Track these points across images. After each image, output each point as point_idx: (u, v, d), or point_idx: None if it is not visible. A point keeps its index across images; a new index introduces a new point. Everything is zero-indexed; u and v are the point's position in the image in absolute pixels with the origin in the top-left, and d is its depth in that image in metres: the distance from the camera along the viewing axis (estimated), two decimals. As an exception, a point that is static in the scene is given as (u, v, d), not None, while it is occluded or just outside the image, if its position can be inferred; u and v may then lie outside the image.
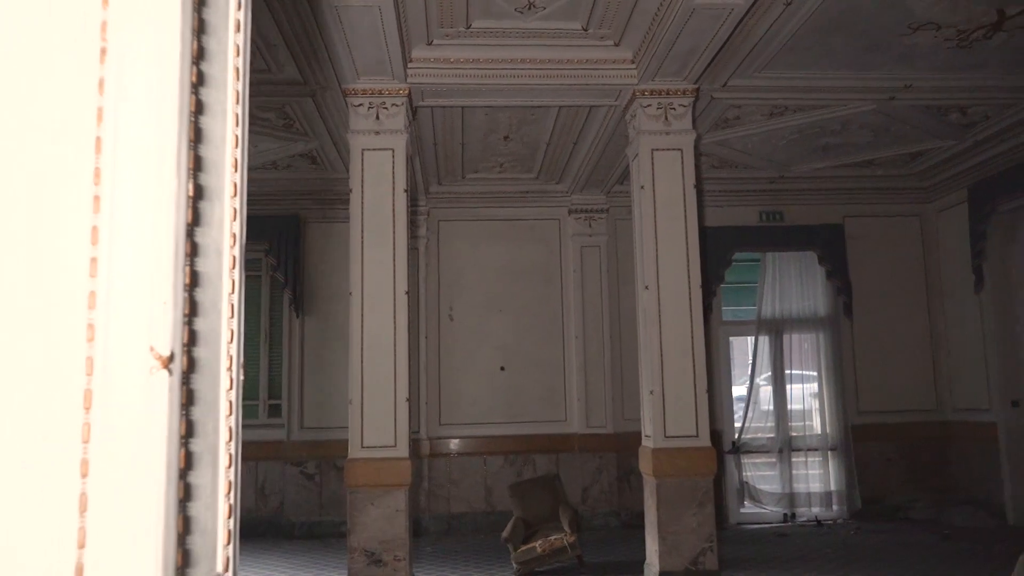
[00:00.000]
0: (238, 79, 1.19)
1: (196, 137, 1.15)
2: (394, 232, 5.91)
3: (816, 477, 9.59)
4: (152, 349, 1.02)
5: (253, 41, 5.60)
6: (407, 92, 6.05)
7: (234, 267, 1.29)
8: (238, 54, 1.25)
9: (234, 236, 1.29)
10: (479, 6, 5.49)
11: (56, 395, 1.00)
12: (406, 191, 6.00)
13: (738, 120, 7.65)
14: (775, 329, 9.73)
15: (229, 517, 1.27)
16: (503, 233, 9.76)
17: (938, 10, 5.62)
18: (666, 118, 6.16)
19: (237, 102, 1.18)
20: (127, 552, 1.00)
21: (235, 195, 1.29)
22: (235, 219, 1.28)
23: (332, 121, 7.36)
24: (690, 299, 5.96)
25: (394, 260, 5.88)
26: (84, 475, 1.01)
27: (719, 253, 9.50)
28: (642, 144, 6.16)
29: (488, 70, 6.06)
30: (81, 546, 0.99)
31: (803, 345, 9.82)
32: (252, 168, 8.42)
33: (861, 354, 9.75)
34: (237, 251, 1.31)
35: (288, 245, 9.33)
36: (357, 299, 5.87)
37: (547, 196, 9.73)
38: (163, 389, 1.03)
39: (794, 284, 9.80)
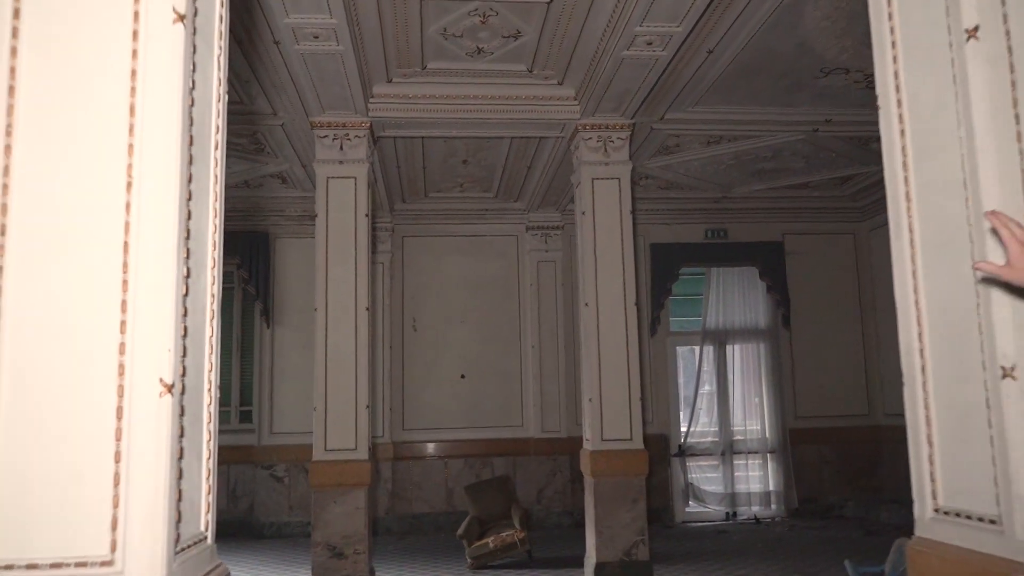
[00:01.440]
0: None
1: (188, 235, 1.72)
2: (355, 253, 6.45)
3: (756, 479, 10.25)
4: (161, 380, 1.58)
5: (228, 79, 6.13)
6: (368, 125, 6.60)
7: (212, 319, 1.87)
8: (216, 182, 1.83)
9: (212, 296, 1.87)
10: (433, 50, 6.06)
11: (99, 409, 1.57)
12: (367, 215, 6.55)
13: (678, 148, 8.29)
14: (719, 339, 10.38)
15: (208, 494, 1.85)
16: (464, 248, 10.34)
17: (845, 57, 6.28)
18: (605, 150, 6.77)
19: (216, 217, 1.75)
20: (144, 511, 1.56)
21: (213, 267, 1.87)
22: (213, 285, 1.86)
23: (300, 145, 7.88)
24: (625, 315, 6.56)
25: (355, 278, 6.42)
26: (117, 461, 1.57)
27: (667, 268, 10.17)
28: (584, 173, 6.76)
29: (443, 105, 6.62)
30: (115, 506, 1.56)
31: (745, 354, 10.48)
32: (225, 187, 8.91)
33: (799, 363, 10.44)
34: (215, 307, 1.89)
35: (259, 260, 9.83)
36: (322, 314, 6.41)
37: (506, 214, 10.32)
38: (167, 406, 1.60)
39: (737, 297, 10.46)
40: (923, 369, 2.01)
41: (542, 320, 10.23)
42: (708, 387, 10.41)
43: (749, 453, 10.28)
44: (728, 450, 10.19)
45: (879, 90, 2.19)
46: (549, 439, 10.04)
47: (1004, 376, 1.73)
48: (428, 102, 6.59)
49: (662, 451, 9.97)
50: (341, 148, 6.59)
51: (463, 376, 10.12)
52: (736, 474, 10.18)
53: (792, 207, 10.45)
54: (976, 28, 1.82)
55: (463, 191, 9.77)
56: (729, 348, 10.40)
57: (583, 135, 6.78)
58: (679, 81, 6.49)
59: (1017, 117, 1.78)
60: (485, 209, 10.26)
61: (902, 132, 2.09)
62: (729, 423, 10.25)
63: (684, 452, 10.15)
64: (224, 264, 9.08)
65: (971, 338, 1.84)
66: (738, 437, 10.31)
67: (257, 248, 9.85)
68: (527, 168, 8.79)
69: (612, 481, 6.47)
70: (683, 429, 10.28)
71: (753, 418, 10.45)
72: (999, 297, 1.75)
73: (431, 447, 10.00)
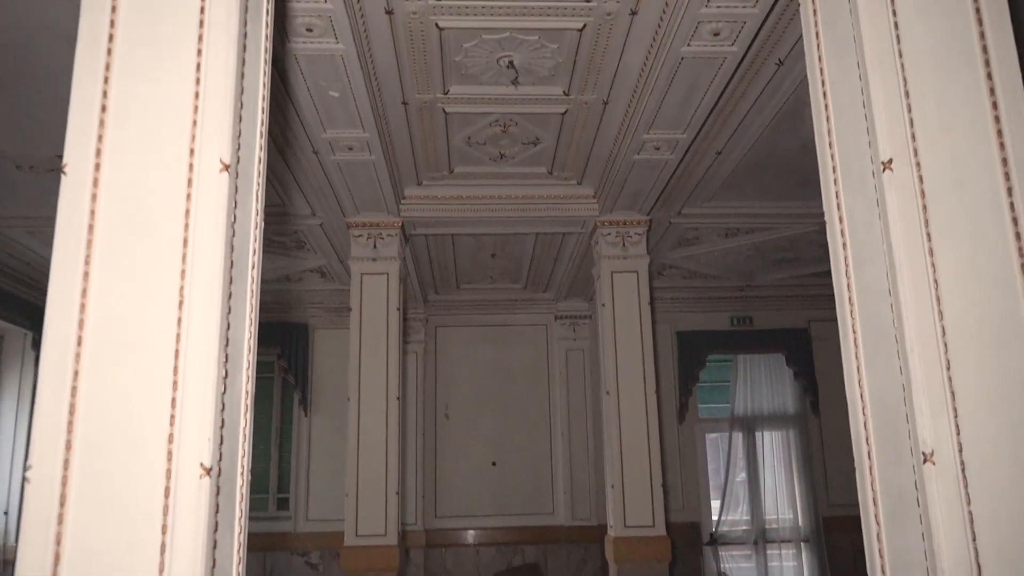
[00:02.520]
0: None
1: (227, 343, 2.07)
2: (387, 345, 6.82)
3: (790, 568, 10.14)
4: (201, 464, 1.91)
5: (270, 182, 6.67)
6: (400, 224, 7.07)
7: (246, 412, 2.21)
8: (252, 295, 2.18)
9: (247, 392, 2.21)
10: (459, 156, 6.55)
11: (151, 489, 1.89)
12: (398, 309, 6.94)
13: (697, 239, 8.62)
14: (748, 426, 10.46)
15: (239, 564, 2.14)
16: (495, 337, 10.68)
17: (849, 155, 6.60)
18: (623, 244, 7.12)
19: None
20: (185, 571, 1.86)
21: (247, 368, 2.22)
22: (247, 383, 2.20)
23: (338, 242, 8.37)
24: (646, 403, 6.78)
25: (387, 369, 6.77)
26: (164, 532, 1.89)
27: (694, 355, 10.37)
28: (603, 267, 7.11)
29: (470, 204, 7.08)
30: (160, 572, 1.86)
31: (775, 441, 10.52)
32: (268, 280, 9.44)
33: (830, 450, 10.43)
34: (249, 401, 2.23)
35: (298, 350, 10.27)
36: (354, 403, 6.74)
37: (535, 304, 10.68)
38: (206, 487, 1.92)
39: (764, 384, 10.58)
40: (869, 455, 2.25)
41: (571, 408, 10.44)
42: (738, 474, 10.42)
43: (782, 542, 10.20)
44: (761, 539, 10.13)
45: (825, 206, 2.51)
46: (580, 527, 10.10)
47: (925, 461, 1.98)
48: (456, 202, 7.05)
49: (693, 539, 9.96)
50: (374, 246, 7.05)
51: (494, 464, 10.31)
52: (770, 563, 10.09)
53: (816, 294, 10.63)
54: (890, 160, 2.14)
55: (493, 283, 10.18)
56: (758, 435, 10.46)
57: (602, 231, 7.16)
58: (691, 180, 6.87)
59: (929, 236, 2.08)
60: (515, 300, 10.64)
61: (844, 244, 2.39)
62: (761, 511, 10.22)
63: (716, 541, 10.11)
64: (265, 354, 9.56)
65: (901, 426, 2.09)
66: (771, 525, 10.26)
67: (297, 339, 10.30)
68: (553, 260, 9.18)
69: (636, 568, 6.56)
70: (714, 518, 10.26)
71: (785, 506, 10.40)
72: (919, 388, 2.02)
73: (463, 534, 10.11)
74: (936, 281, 2.05)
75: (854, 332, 2.33)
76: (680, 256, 9.14)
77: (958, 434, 1.98)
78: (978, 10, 2.30)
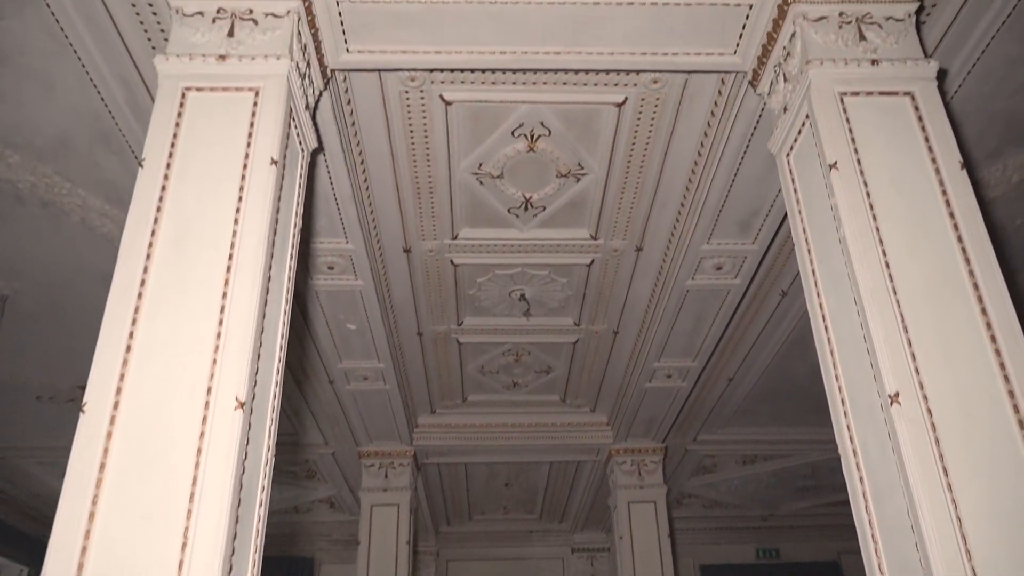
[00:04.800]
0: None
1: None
2: (396, 580, 6.51)
3: None
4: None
5: (284, 411, 6.71)
6: (412, 454, 7.00)
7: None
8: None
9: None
10: (472, 384, 6.62)
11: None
12: (408, 543, 6.70)
13: (715, 467, 8.43)
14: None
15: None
16: (509, 572, 10.16)
17: (861, 381, 6.62)
18: (639, 473, 6.98)
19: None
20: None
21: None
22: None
23: (349, 472, 8.24)
24: (669, 644, 6.32)
25: (395, 607, 6.41)
26: None
27: (720, 592, 9.77)
28: (620, 497, 6.93)
29: (484, 432, 7.05)
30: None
31: None
32: (275, 512, 9.19)
33: None
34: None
35: (302, 587, 9.76)
36: (359, 647, 6.31)
37: (550, 535, 10.26)
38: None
39: (798, 623, 9.86)
40: None
41: (592, 651, 9.70)
42: None
43: None
44: None
45: (837, 439, 2.49)
46: None
47: None
48: (469, 431, 7.03)
49: None
50: (386, 476, 6.94)
51: None
52: None
53: (845, 524, 10.00)
54: (897, 394, 2.16)
55: (507, 513, 9.86)
56: None
57: (617, 459, 7.05)
58: (705, 406, 6.85)
59: (945, 470, 2.05)
60: (530, 531, 10.24)
61: (860, 479, 2.35)
62: None
63: None
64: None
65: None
66: None
67: (301, 574, 9.83)
68: (568, 489, 8.94)
69: None
70: None
71: None
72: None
73: None
74: (959, 518, 1.99)
75: (881, 573, 2.22)
76: (699, 484, 8.90)
77: None
78: (964, 249, 2.42)
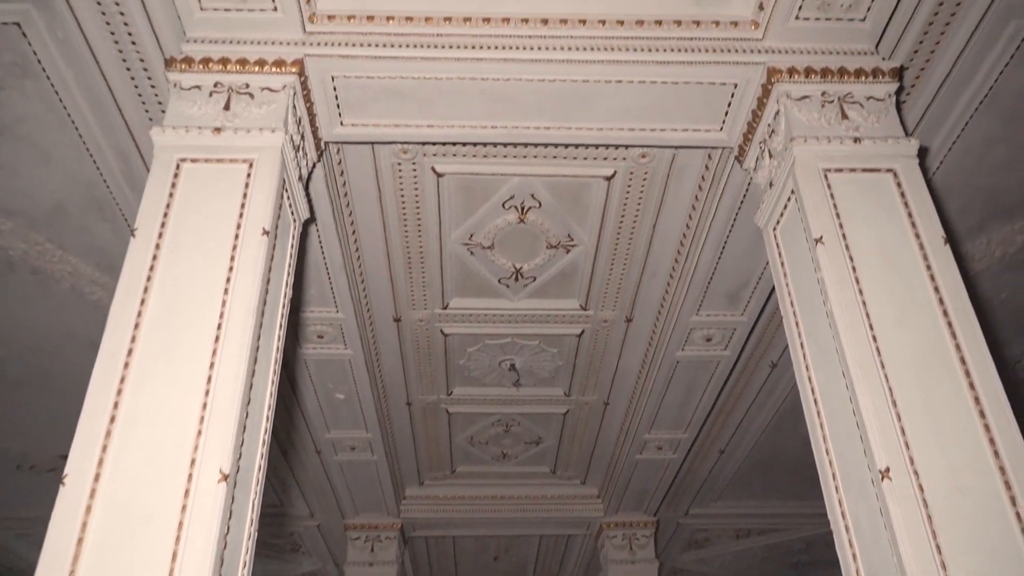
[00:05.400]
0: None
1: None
2: (380, 663, 6.29)
3: None
4: None
5: (269, 481, 6.59)
6: (399, 526, 6.86)
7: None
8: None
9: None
10: (461, 455, 6.53)
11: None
12: (393, 623, 6.52)
13: (708, 541, 8.28)
14: None
15: None
16: (497, 651, 9.83)
17: (853, 454, 6.58)
18: (631, 548, 6.85)
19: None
20: None
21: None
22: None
23: (334, 545, 8.04)
24: None
25: None
26: None
27: (715, 673, 9.46)
28: (611, 573, 6.79)
29: (472, 505, 6.92)
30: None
31: None
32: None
33: None
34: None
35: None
36: None
37: (540, 612, 9.98)
38: None
39: None
40: None
41: None
42: None
43: None
44: None
45: (829, 514, 2.46)
46: None
47: None
48: (458, 503, 6.90)
49: None
50: (372, 550, 6.78)
51: None
52: None
53: (840, 601, 9.96)
54: (887, 469, 2.15)
55: (496, 589, 9.62)
56: None
57: (608, 533, 6.92)
58: (696, 479, 6.77)
59: (939, 548, 2.02)
60: (519, 608, 9.97)
61: (854, 556, 2.31)
62: None
63: None
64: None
65: None
66: None
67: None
68: (559, 564, 8.74)
69: None
70: None
71: None
72: None
73: None
74: (956, 601, 1.96)
75: (878, 654, 2.17)
76: (692, 559, 8.72)
77: None
78: (950, 323, 2.43)
